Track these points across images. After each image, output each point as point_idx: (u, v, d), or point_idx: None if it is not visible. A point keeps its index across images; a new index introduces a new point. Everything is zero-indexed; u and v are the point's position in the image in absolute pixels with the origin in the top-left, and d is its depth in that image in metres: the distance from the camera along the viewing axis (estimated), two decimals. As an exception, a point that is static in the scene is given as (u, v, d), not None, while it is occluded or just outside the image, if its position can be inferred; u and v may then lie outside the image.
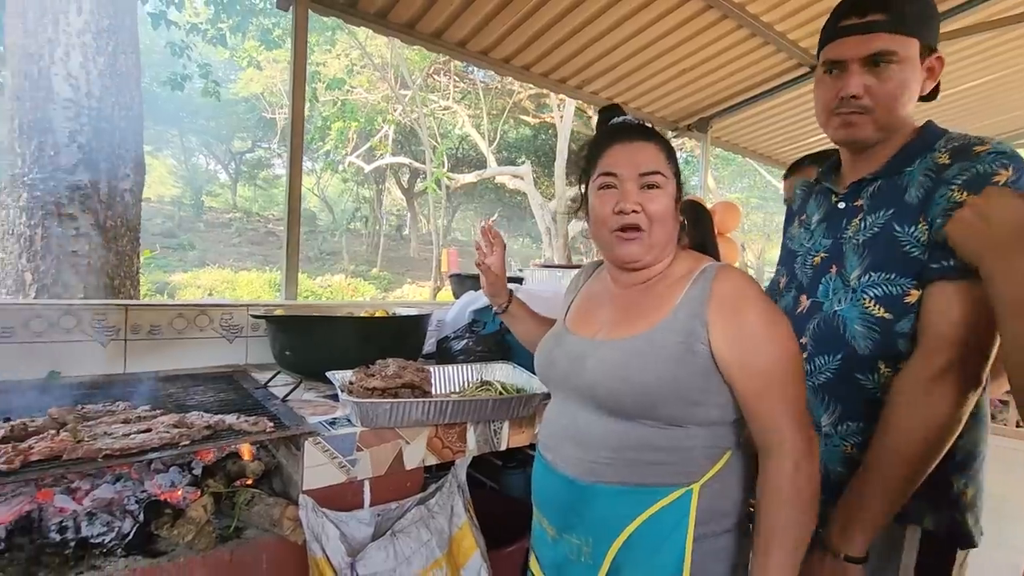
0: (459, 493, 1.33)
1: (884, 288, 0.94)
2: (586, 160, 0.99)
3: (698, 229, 1.65)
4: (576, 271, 1.20)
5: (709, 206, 3.97)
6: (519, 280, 2.43)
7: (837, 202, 1.06)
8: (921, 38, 0.94)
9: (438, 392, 1.55)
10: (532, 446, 1.39)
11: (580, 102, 3.88)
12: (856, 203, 1.02)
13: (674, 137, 4.66)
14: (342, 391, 1.28)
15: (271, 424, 1.18)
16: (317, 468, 1.17)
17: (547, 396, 1.13)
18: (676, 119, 4.17)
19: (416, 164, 12.78)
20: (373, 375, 1.32)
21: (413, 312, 1.86)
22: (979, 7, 2.90)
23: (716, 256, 1.69)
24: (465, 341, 1.66)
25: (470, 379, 1.59)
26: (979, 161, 0.87)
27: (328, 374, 1.41)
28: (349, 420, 1.28)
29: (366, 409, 1.22)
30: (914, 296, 0.92)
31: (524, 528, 1.13)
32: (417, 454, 1.30)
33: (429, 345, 1.88)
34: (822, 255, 1.06)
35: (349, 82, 11.13)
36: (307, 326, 1.56)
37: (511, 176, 11.43)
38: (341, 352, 1.52)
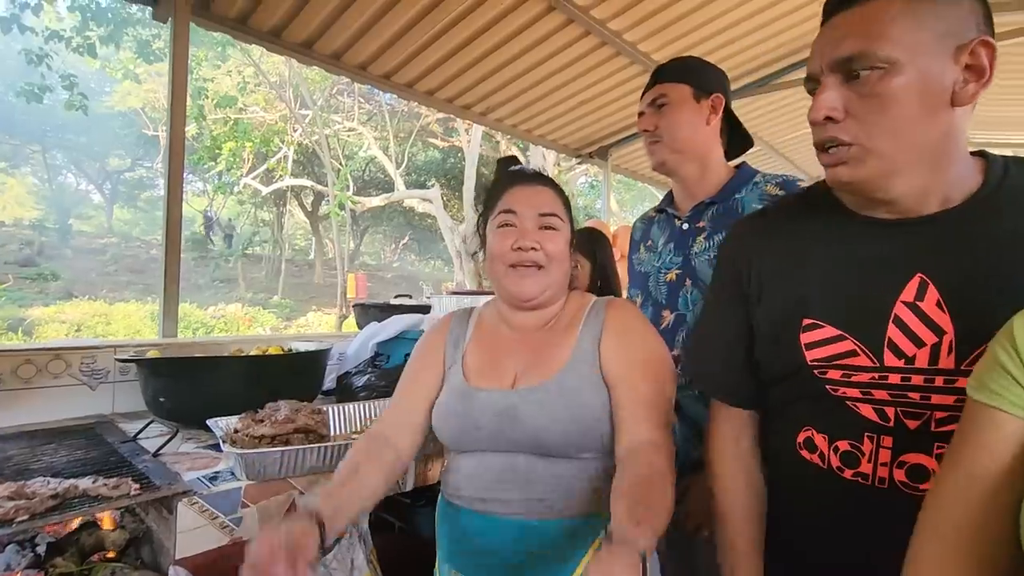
0: (360, 544, 1.23)
1: None
2: (485, 201, 1.03)
3: (598, 254, 1.71)
4: (440, 320, 1.10)
5: (613, 228, 4.16)
6: (426, 309, 2.36)
7: (681, 224, 1.24)
8: (690, 83, 1.20)
9: (338, 433, 1.45)
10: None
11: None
12: (699, 224, 1.21)
13: (578, 163, 4.86)
14: (224, 442, 1.15)
15: (136, 485, 1.03)
16: (193, 532, 1.03)
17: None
18: (579, 146, 4.35)
19: (319, 187, 12.30)
20: (262, 421, 1.20)
21: (311, 347, 1.74)
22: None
23: (615, 277, 1.75)
24: (367, 376, 1.57)
25: (373, 417, 1.50)
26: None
27: (210, 422, 1.27)
28: (233, 474, 1.15)
29: (252, 460, 1.10)
30: None
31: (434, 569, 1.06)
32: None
33: (329, 381, 1.77)
34: (675, 271, 1.22)
35: (242, 100, 10.54)
36: (185, 369, 1.40)
37: (420, 199, 11.33)
38: (226, 396, 1.37)
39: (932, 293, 0.64)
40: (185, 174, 2.15)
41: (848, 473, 0.69)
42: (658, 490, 0.76)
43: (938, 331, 0.63)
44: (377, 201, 11.64)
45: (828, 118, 0.64)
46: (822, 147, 0.66)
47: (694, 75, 1.22)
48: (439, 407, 0.97)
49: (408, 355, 1.55)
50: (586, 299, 1.00)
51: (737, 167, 1.24)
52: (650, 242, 1.33)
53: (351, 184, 11.76)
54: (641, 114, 1.26)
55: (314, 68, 2.85)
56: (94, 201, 17.35)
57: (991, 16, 0.63)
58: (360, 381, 1.57)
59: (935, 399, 0.64)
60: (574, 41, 2.89)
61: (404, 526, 1.82)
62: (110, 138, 14.59)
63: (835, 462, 0.70)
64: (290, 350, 1.70)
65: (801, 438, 0.74)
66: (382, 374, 1.58)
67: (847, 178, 0.65)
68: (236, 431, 1.19)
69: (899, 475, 0.66)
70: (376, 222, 17.71)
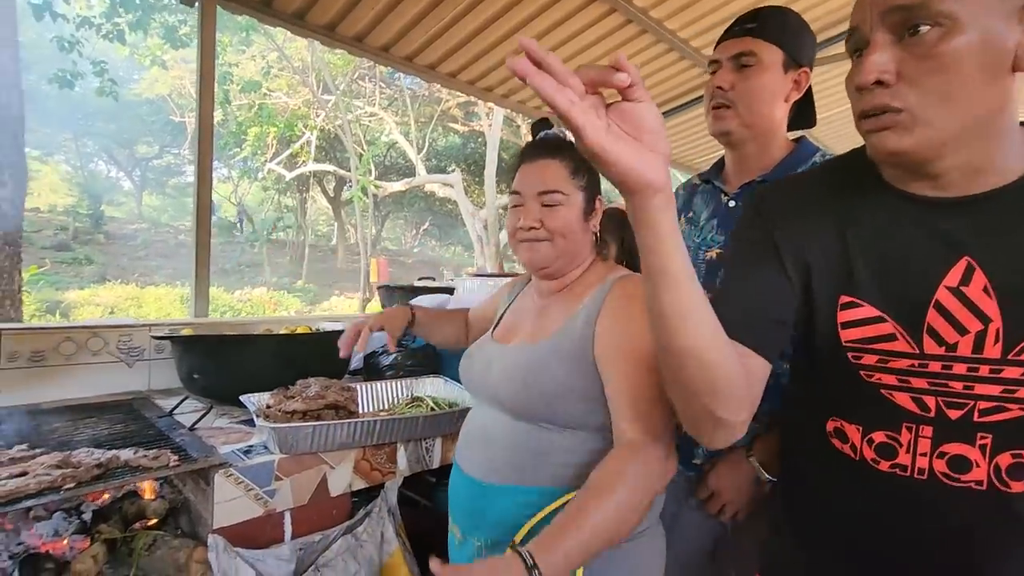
0: (389, 518, 1.26)
1: None
2: (508, 179, 1.07)
3: (625, 237, 1.69)
4: (507, 280, 1.20)
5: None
6: (450, 291, 2.37)
7: (727, 201, 1.14)
8: (785, 49, 1.04)
9: (366, 411, 1.47)
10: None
11: (509, 111, 3.92)
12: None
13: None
14: (258, 416, 1.18)
15: (175, 457, 1.07)
16: (230, 503, 1.07)
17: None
18: (601, 129, 4.29)
19: (342, 172, 12.37)
20: (293, 397, 1.22)
21: (338, 327, 1.77)
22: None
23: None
24: (394, 356, 1.59)
25: (400, 396, 1.52)
26: None
27: (243, 398, 1.30)
28: (266, 447, 1.18)
29: (285, 434, 1.13)
30: None
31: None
32: (343, 479, 1.22)
33: (356, 361, 1.79)
34: (718, 251, 1.14)
35: (266, 85, 10.62)
36: (218, 346, 1.44)
37: (441, 184, 11.33)
38: (258, 373, 1.40)
39: (979, 278, 0.60)
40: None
41: (885, 465, 0.66)
42: (595, 510, 0.74)
43: (983, 318, 0.60)
44: (398, 186, 11.67)
45: (879, 82, 0.57)
46: (867, 115, 0.60)
47: (792, 39, 1.06)
48: (467, 350, 1.10)
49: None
50: (607, 272, 1.00)
51: (796, 140, 1.13)
52: (691, 214, 1.24)
53: (373, 169, 11.80)
54: (715, 64, 1.10)
55: (336, 52, 2.85)
56: (124, 188, 17.76)
57: None
58: (387, 360, 1.59)
59: (979, 389, 0.61)
60: (598, 19, 2.83)
61: (428, 503, 1.85)
62: (139, 125, 14.85)
63: (869, 454, 0.67)
64: (318, 330, 1.73)
65: (831, 427, 0.70)
66: (408, 354, 1.60)
67: (894, 147, 0.59)
68: (268, 407, 1.22)
69: (939, 466, 0.63)
70: (397, 207, 17.79)
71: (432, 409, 1.41)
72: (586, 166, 0.98)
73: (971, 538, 0.64)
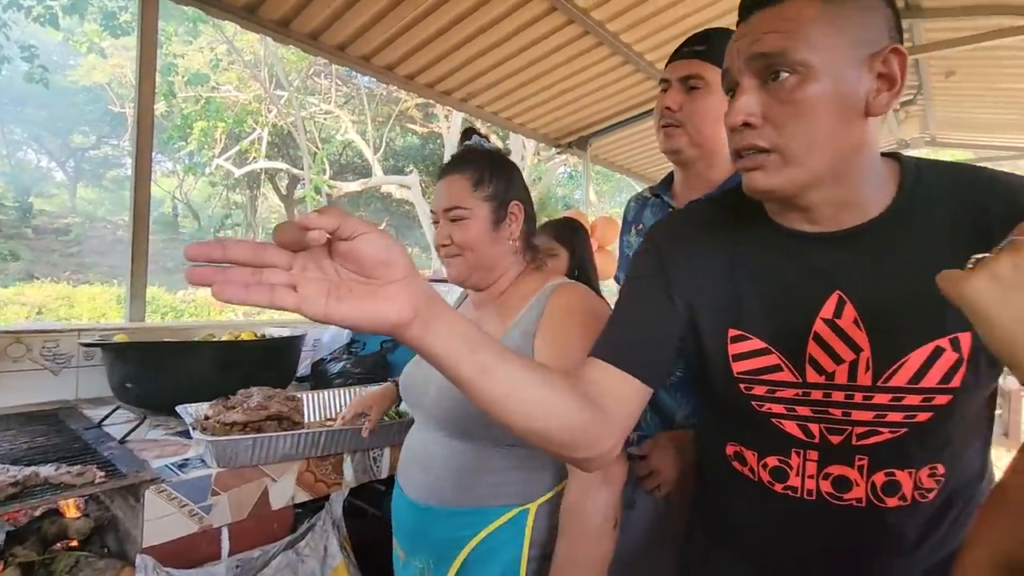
0: (334, 531, 1.23)
1: None
2: None
3: (576, 245, 1.71)
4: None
5: (591, 219, 4.18)
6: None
7: None
8: None
9: (312, 421, 1.43)
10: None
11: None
12: None
13: (557, 153, 4.85)
14: (195, 428, 1.13)
15: (102, 473, 1.00)
16: (162, 520, 1.01)
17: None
18: (558, 136, 4.33)
19: (295, 170, 12.02)
20: (234, 407, 1.18)
21: (285, 333, 1.71)
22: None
23: (593, 269, 1.76)
24: (343, 363, 1.55)
25: (348, 404, 1.48)
26: None
27: (179, 409, 1.24)
28: (203, 461, 1.13)
29: (223, 447, 1.08)
30: None
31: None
32: (286, 492, 1.18)
33: (304, 368, 1.74)
34: None
35: (215, 78, 10.21)
36: (154, 354, 1.37)
37: (398, 186, 11.19)
38: (197, 382, 1.34)
39: (850, 310, 0.63)
40: (154, 153, 2.07)
41: (779, 487, 0.70)
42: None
43: (856, 348, 0.63)
44: (354, 186, 11.44)
45: (746, 123, 0.61)
46: (739, 153, 0.63)
47: None
48: (404, 370, 1.08)
49: (383, 342, 1.54)
50: (543, 281, 0.98)
51: None
52: (641, 226, 1.28)
53: (328, 168, 11.52)
54: (665, 83, 1.12)
55: (291, 48, 2.77)
56: (56, 179, 16.64)
57: (901, 25, 0.62)
58: (335, 368, 1.56)
59: (855, 415, 0.64)
60: (557, 29, 2.86)
61: (377, 512, 1.81)
62: (74, 114, 13.99)
63: (765, 477, 0.70)
64: (263, 336, 1.67)
65: (730, 451, 0.74)
66: (358, 361, 1.56)
67: (763, 185, 0.62)
68: (207, 418, 1.17)
69: (825, 487, 0.67)
70: (353, 207, 17.38)
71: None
72: (492, 176, 0.98)
73: (855, 552, 0.68)
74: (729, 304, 0.69)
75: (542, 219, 1.95)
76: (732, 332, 0.69)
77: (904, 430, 0.63)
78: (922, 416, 0.62)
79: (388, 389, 1.28)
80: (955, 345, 0.60)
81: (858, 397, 0.64)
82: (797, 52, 0.58)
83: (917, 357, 0.61)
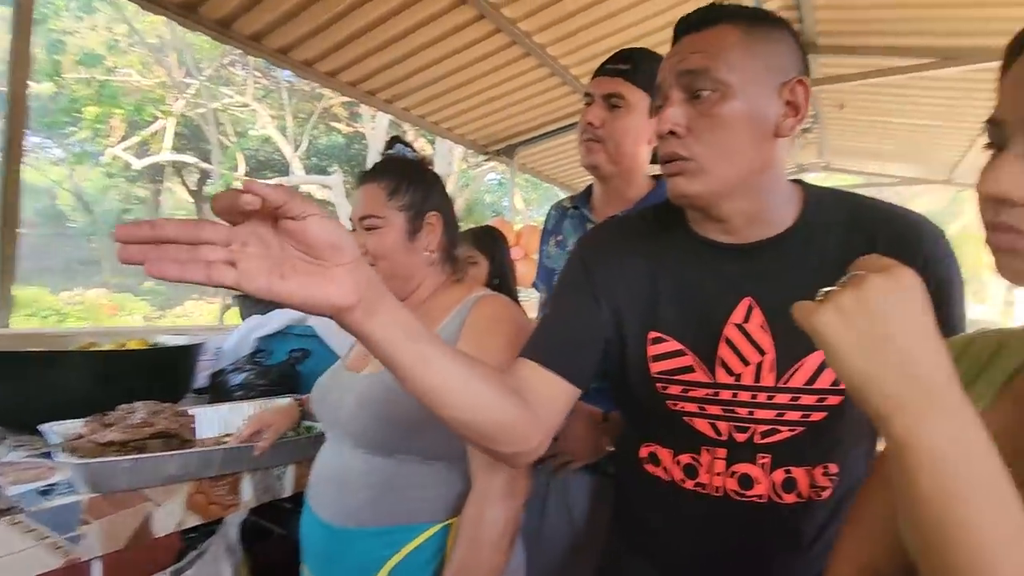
0: (228, 556, 1.13)
1: None
2: None
3: (496, 253, 1.71)
4: None
5: (517, 227, 4.21)
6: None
7: None
8: (653, 96, 1.09)
9: (209, 437, 1.32)
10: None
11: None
12: None
13: (484, 160, 4.86)
14: (62, 449, 1.00)
15: (-60, 505, 0.86)
16: (14, 556, 0.88)
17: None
18: (486, 143, 4.35)
19: (204, 164, 11.23)
20: (112, 425, 1.05)
21: (181, 341, 1.57)
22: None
23: (513, 277, 1.76)
24: (246, 374, 1.44)
25: (249, 419, 1.38)
26: None
27: (43, 427, 1.09)
28: (71, 486, 1.00)
29: (95, 470, 0.96)
30: None
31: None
32: (171, 517, 1.07)
33: (203, 379, 1.61)
34: None
35: (112, 60, 9.35)
36: (14, 365, 1.20)
37: (319, 186, 10.76)
38: (69, 397, 1.19)
39: (757, 315, 0.69)
40: (39, 139, 1.85)
41: (690, 484, 0.73)
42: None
43: (761, 351, 0.68)
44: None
45: (672, 132, 0.66)
46: (665, 159, 0.69)
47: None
48: (320, 378, 1.03)
49: (292, 351, 1.45)
50: (465, 293, 0.97)
51: (656, 178, 1.20)
52: (560, 237, 1.27)
53: (242, 164, 10.86)
54: (588, 98, 1.14)
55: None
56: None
57: (807, 61, 0.70)
58: (237, 379, 1.44)
59: (758, 413, 0.69)
60: (485, 37, 2.87)
61: (283, 531, 1.70)
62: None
63: (678, 475, 0.74)
64: (155, 345, 1.52)
65: (645, 453, 0.77)
66: (262, 372, 1.46)
67: (684, 190, 0.68)
68: (80, 437, 1.04)
69: (731, 484, 0.71)
70: (271, 207, 16.54)
71: (286, 433, 1.30)
72: (409, 185, 0.96)
73: (757, 549, 0.72)
74: (650, 308, 0.73)
75: (471, 225, 1.93)
76: (652, 334, 0.73)
77: (801, 429, 0.68)
78: (816, 416, 0.68)
79: (291, 407, 1.19)
80: None
81: (762, 397, 0.68)
82: (718, 72, 0.64)
83: (813, 360, 0.67)
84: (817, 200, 0.71)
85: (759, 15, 0.68)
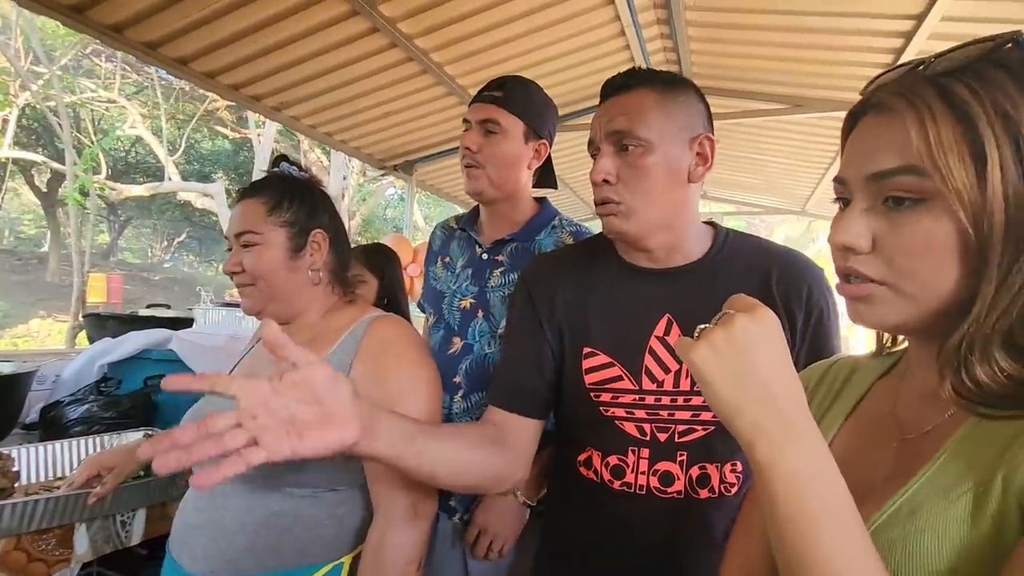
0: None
1: None
2: None
3: (385, 272, 1.66)
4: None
5: (415, 244, 4.14)
6: (188, 322, 2.03)
7: (481, 253, 1.19)
8: (527, 122, 1.14)
9: (34, 483, 1.13)
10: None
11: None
12: (498, 257, 1.17)
13: (382, 175, 4.75)
14: None
15: None
16: None
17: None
18: (383, 158, 4.25)
19: (57, 165, 9.90)
20: None
21: (7, 369, 1.34)
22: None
23: (404, 296, 1.71)
24: (87, 406, 1.25)
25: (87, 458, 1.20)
26: None
27: None
28: None
29: None
30: None
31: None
32: (-23, 585, 0.90)
33: (32, 414, 1.38)
34: (470, 300, 1.17)
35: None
36: None
37: (199, 194, 9.91)
38: None
39: (676, 330, 0.79)
40: None
41: (617, 484, 0.81)
42: None
43: (679, 360, 0.76)
44: (141, 190, 9.84)
45: (605, 180, 0.78)
46: (599, 203, 0.80)
47: (534, 113, 1.15)
48: (192, 410, 0.94)
49: (148, 379, 1.31)
50: (357, 314, 0.93)
51: (540, 201, 1.23)
52: (448, 259, 1.26)
53: (105, 166, 9.71)
54: (467, 123, 1.16)
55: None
56: None
57: (712, 117, 0.84)
58: (76, 412, 1.25)
59: (677, 415, 0.79)
60: (380, 51, 2.81)
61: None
62: None
63: (607, 476, 0.81)
64: (-30, 374, 1.28)
65: (582, 457, 0.85)
66: (110, 403, 1.27)
67: (617, 228, 0.80)
68: None
69: (653, 481, 0.79)
70: (143, 214, 15.01)
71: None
72: (292, 201, 0.92)
73: (674, 544, 0.80)
74: (584, 326, 0.84)
75: (368, 241, 1.84)
76: (585, 349, 0.83)
77: (713, 428, 0.78)
78: None
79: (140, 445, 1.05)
80: None
81: (680, 400, 0.79)
82: (639, 131, 0.77)
83: None
84: (724, 236, 0.85)
85: (671, 79, 0.81)
